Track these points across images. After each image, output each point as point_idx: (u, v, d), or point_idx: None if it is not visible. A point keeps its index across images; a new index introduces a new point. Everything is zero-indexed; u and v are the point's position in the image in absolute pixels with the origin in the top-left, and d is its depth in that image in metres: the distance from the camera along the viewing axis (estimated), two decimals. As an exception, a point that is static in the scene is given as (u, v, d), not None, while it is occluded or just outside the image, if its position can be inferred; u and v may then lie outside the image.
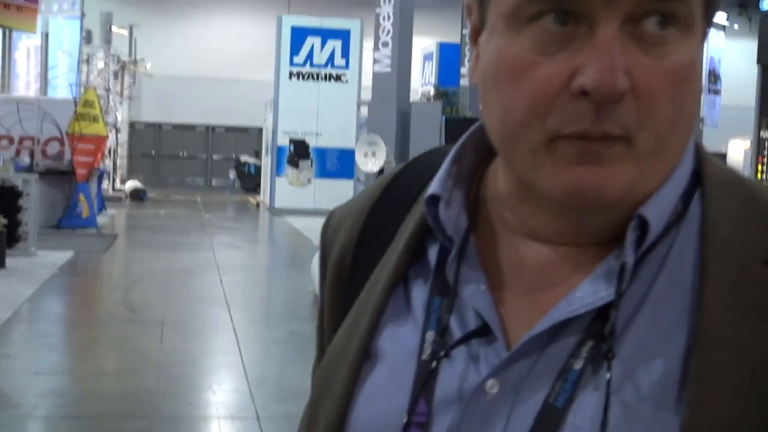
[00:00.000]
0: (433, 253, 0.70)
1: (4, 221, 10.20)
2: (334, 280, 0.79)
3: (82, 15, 17.42)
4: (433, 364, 0.66)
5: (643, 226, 0.62)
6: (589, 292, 0.62)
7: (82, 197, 14.12)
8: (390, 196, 0.77)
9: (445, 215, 0.68)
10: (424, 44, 20.52)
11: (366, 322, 0.72)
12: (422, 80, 20.17)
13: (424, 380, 0.66)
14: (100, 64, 18.18)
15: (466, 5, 0.68)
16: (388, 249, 0.74)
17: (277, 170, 18.60)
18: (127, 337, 7.52)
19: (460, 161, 0.69)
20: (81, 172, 14.00)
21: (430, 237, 0.70)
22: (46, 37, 17.74)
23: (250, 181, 23.52)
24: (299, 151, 18.52)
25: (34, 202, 11.87)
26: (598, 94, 0.56)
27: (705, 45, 0.68)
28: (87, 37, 18.02)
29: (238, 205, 21.77)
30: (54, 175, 14.11)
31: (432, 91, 18.17)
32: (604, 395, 0.59)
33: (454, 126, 14.38)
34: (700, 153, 0.69)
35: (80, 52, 17.54)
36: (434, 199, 0.67)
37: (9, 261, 10.08)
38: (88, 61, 17.97)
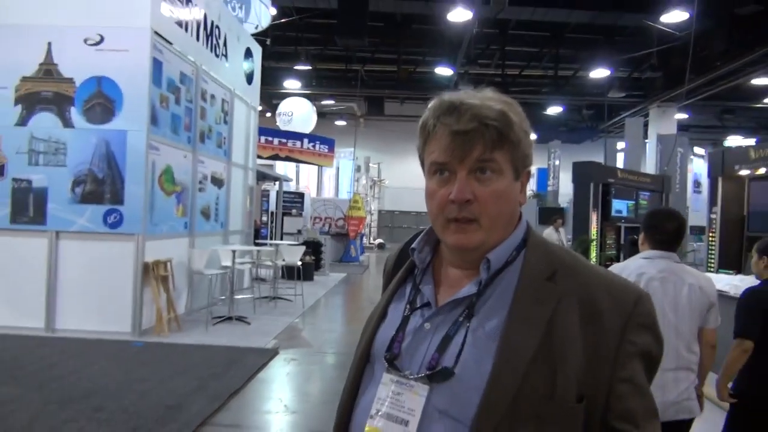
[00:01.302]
0: (416, 274, 0.95)
1: (313, 258, 11.99)
2: (385, 278, 1.06)
3: (355, 158, 19.76)
4: (407, 315, 0.90)
5: (489, 262, 0.85)
6: (467, 290, 0.86)
7: (352, 246, 15.93)
8: (403, 250, 1.02)
9: (417, 257, 0.94)
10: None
11: (384, 301, 0.97)
12: (528, 188, 21.31)
13: (402, 323, 0.90)
14: (363, 181, 20.18)
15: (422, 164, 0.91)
16: (400, 271, 0.99)
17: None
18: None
19: (431, 233, 0.94)
20: (352, 233, 15.79)
21: (415, 267, 0.96)
22: (337, 169, 19.53)
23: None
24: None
25: (329, 249, 13.51)
26: (456, 200, 0.83)
27: (529, 180, 0.93)
28: (358, 169, 20.01)
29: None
30: (339, 236, 15.77)
31: (531, 193, 19.44)
32: (465, 330, 0.83)
33: (542, 211, 15.05)
34: (528, 229, 0.91)
35: (353, 175, 19.58)
36: (413, 250, 0.94)
37: (316, 278, 11.70)
38: (357, 180, 19.80)
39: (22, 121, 6.02)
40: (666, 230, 2.38)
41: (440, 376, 0.81)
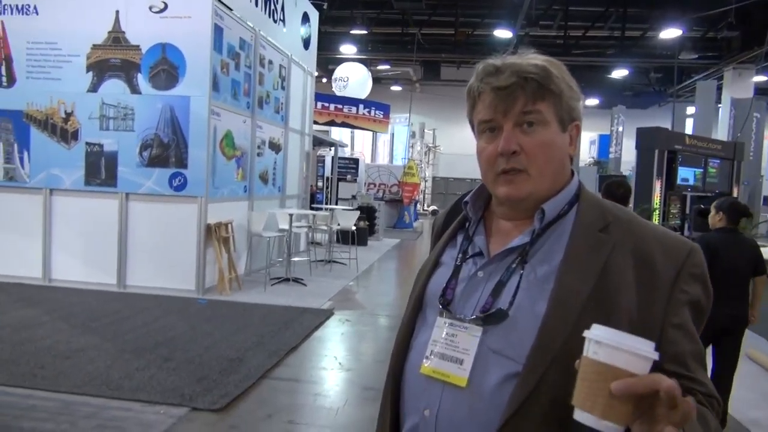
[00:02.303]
0: (468, 226, 1.00)
1: (367, 223, 12.02)
2: (434, 236, 1.12)
3: (410, 123, 19.69)
4: (459, 264, 0.95)
5: (543, 212, 0.89)
6: (520, 239, 0.90)
7: (406, 213, 15.92)
8: (452, 209, 1.09)
9: (470, 210, 0.99)
10: (590, 135, 21.43)
11: (437, 252, 1.03)
12: (589, 155, 20.98)
13: (455, 271, 0.94)
14: (418, 147, 20.19)
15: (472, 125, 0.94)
16: (451, 226, 1.05)
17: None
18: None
19: (482, 189, 0.98)
20: (406, 200, 15.76)
21: (466, 222, 1.00)
22: (392, 135, 19.74)
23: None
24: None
25: (383, 214, 13.60)
26: (503, 152, 0.87)
27: (579, 134, 0.94)
28: (413, 135, 20.05)
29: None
30: (393, 202, 15.77)
31: (591, 161, 18.96)
32: (519, 276, 0.87)
33: (603, 179, 13.48)
34: (581, 185, 0.94)
35: (408, 142, 19.60)
36: (465, 203, 0.99)
37: (370, 243, 11.89)
38: (412, 147, 19.86)
39: (93, 88, 6.34)
40: (615, 195, 3.29)
41: (494, 318, 0.85)
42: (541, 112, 0.86)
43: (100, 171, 6.35)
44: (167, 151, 6.23)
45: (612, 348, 0.65)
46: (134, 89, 6.25)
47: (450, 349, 0.87)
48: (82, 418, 3.25)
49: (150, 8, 6.18)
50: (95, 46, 6.29)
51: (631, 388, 0.63)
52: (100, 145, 6.34)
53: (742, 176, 8.68)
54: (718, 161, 8.24)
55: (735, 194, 8.32)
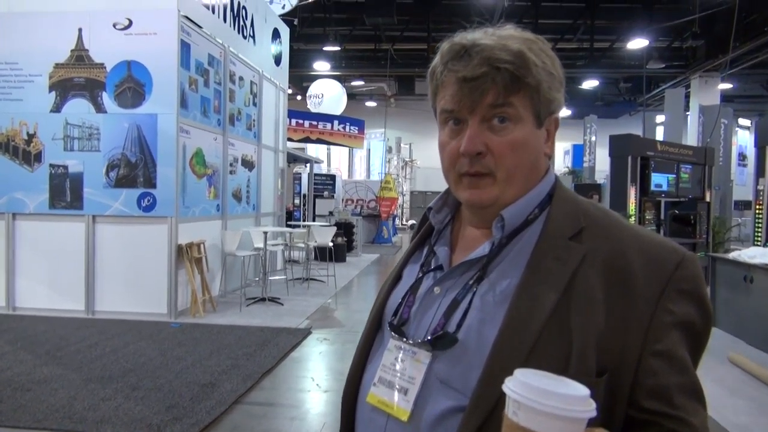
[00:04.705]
0: (432, 235, 0.89)
1: (345, 239, 12.08)
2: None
3: (386, 138, 19.60)
4: (419, 278, 0.85)
5: (503, 220, 0.76)
6: (480, 250, 0.79)
7: (384, 228, 15.87)
8: (425, 216, 0.93)
9: (433, 217, 0.88)
10: (564, 145, 21.73)
11: (399, 265, 0.92)
12: (563, 164, 21.22)
13: (413, 286, 0.84)
14: (394, 162, 20.12)
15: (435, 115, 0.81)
16: (420, 232, 0.94)
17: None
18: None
19: (450, 192, 0.85)
20: (384, 215, 15.73)
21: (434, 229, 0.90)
22: (368, 151, 19.76)
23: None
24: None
25: (361, 230, 13.59)
26: (466, 153, 0.75)
27: (557, 128, 0.82)
28: (389, 149, 19.89)
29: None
30: (371, 217, 15.82)
31: (566, 170, 19.12)
32: (472, 294, 0.75)
33: (578, 188, 14.14)
34: (556, 183, 0.81)
35: (384, 156, 19.43)
36: (429, 209, 0.89)
37: (348, 259, 11.82)
38: (389, 161, 19.73)
39: (57, 108, 6.13)
40: None
41: (443, 342, 0.74)
42: (515, 106, 0.74)
43: (65, 193, 6.13)
44: (135, 170, 6.03)
45: (532, 410, 0.53)
46: (99, 108, 6.06)
47: (396, 377, 0.77)
48: (40, 455, 3.04)
49: (114, 25, 6.02)
50: (58, 65, 6.10)
51: None
52: (65, 167, 6.12)
53: (714, 181, 8.75)
54: (690, 167, 8.30)
55: (708, 199, 8.40)
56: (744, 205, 12.87)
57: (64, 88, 6.12)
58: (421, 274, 0.84)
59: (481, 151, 0.74)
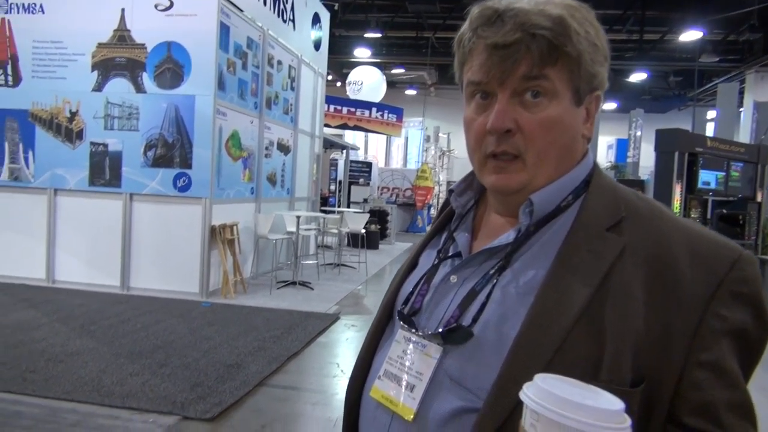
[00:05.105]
0: (453, 220, 0.82)
1: (379, 227, 11.99)
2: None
3: (424, 127, 19.36)
4: (435, 266, 0.78)
5: (532, 205, 0.68)
6: (504, 238, 0.71)
7: (419, 217, 15.92)
8: (448, 199, 0.86)
9: (455, 200, 0.81)
10: (607, 140, 20.96)
11: (416, 250, 0.87)
12: (606, 159, 20.55)
13: (429, 273, 0.77)
14: (432, 151, 19.45)
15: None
16: (438, 219, 0.88)
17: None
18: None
19: (474, 175, 0.78)
20: (419, 204, 15.72)
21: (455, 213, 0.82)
22: (406, 139, 19.45)
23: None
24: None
25: (395, 218, 13.45)
26: (493, 130, 0.67)
27: (599, 108, 0.72)
28: (427, 139, 19.42)
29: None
30: (406, 206, 15.86)
31: (608, 165, 18.62)
32: (492, 285, 0.68)
33: (621, 184, 14.61)
34: (594, 168, 0.73)
35: (422, 145, 19.15)
36: (451, 192, 0.82)
37: (381, 246, 11.85)
38: (426, 150, 19.30)
39: (99, 87, 6.23)
40: None
41: (456, 336, 0.67)
42: (551, 79, 0.65)
43: (105, 171, 6.25)
44: (172, 151, 6.10)
45: (553, 424, 0.45)
46: (139, 88, 6.14)
47: (403, 371, 0.70)
48: (67, 426, 3.09)
49: (156, 6, 6.06)
50: (100, 45, 6.19)
51: None
52: (105, 145, 6.24)
53: (767, 181, 8.32)
54: (741, 165, 7.91)
55: (759, 199, 8.01)
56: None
57: (105, 67, 6.21)
58: (437, 261, 0.77)
59: (510, 128, 0.66)
